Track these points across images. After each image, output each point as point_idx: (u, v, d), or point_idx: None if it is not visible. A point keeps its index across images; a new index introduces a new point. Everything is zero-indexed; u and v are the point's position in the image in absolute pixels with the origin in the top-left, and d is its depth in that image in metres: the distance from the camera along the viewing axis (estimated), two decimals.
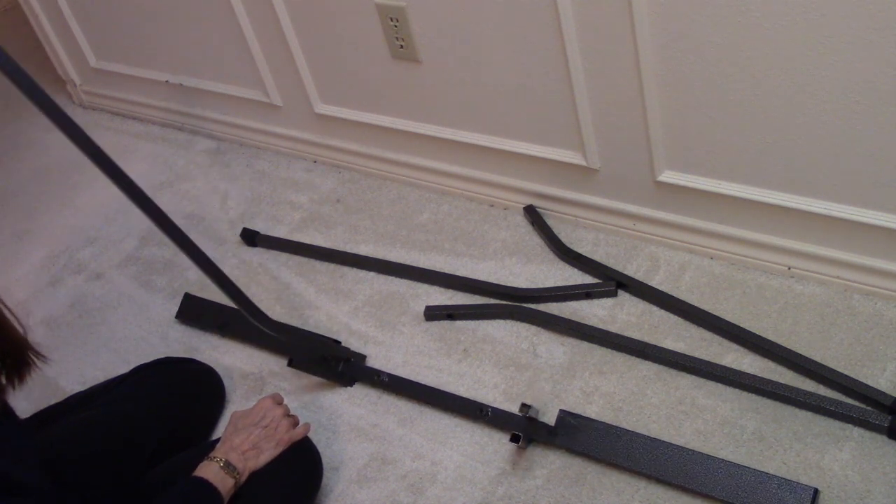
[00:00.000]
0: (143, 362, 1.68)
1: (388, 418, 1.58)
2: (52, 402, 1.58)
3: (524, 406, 1.42)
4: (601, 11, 1.46)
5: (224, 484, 1.33)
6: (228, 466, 1.35)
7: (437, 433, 1.53)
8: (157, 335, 1.88)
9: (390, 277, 1.83)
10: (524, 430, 1.43)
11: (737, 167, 1.53)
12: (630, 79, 1.51)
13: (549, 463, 1.44)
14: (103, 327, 1.94)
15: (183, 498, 1.32)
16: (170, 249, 2.07)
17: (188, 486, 1.33)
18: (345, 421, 1.59)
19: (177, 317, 1.89)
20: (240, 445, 1.39)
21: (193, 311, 1.88)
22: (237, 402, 1.68)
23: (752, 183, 1.53)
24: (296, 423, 1.47)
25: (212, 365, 1.70)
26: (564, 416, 1.46)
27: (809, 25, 1.29)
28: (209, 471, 1.34)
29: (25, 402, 1.79)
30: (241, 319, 1.67)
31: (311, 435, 1.48)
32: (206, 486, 1.32)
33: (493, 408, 1.51)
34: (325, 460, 1.49)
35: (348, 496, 1.48)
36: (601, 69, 1.54)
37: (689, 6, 1.38)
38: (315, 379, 1.68)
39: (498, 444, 1.49)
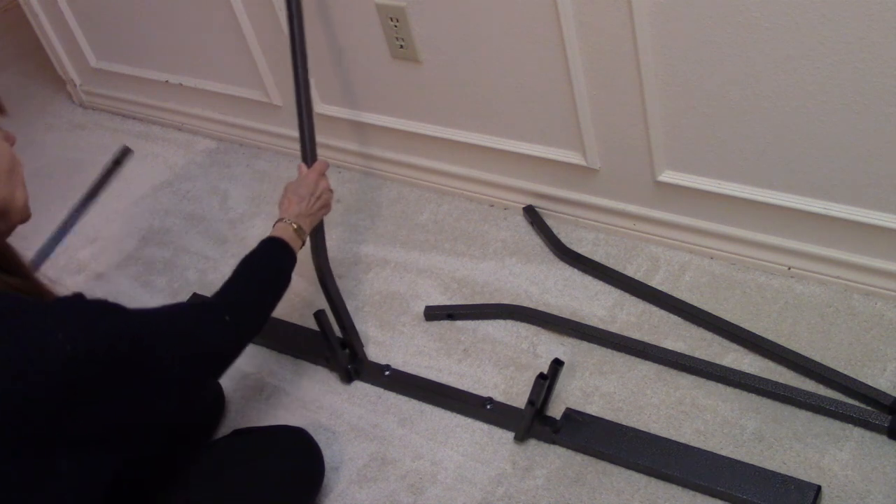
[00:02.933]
0: None
1: (388, 418, 1.58)
2: None
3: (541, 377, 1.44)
4: (601, 11, 1.46)
5: (294, 243, 1.48)
6: (300, 230, 1.51)
7: (437, 433, 1.53)
8: None
9: (390, 277, 1.83)
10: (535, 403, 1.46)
11: (737, 167, 1.53)
12: (630, 79, 1.51)
13: (549, 463, 1.44)
14: None
15: (268, 255, 1.44)
16: (170, 249, 2.07)
17: (270, 245, 1.45)
18: (345, 421, 1.59)
19: None
20: (306, 211, 1.54)
21: None
22: (237, 404, 1.68)
23: (752, 183, 1.53)
24: (318, 172, 1.61)
25: None
26: (570, 413, 1.46)
27: (809, 25, 1.29)
28: (286, 232, 1.48)
29: None
30: None
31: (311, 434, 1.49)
32: (286, 247, 1.46)
33: (494, 401, 1.52)
34: (325, 460, 1.49)
35: (348, 496, 1.48)
36: (601, 69, 1.54)
37: (689, 6, 1.38)
38: (315, 379, 1.68)
39: (498, 443, 1.49)
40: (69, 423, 1.06)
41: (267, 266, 1.44)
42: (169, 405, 1.22)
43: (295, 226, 1.50)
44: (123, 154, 1.79)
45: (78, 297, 1.14)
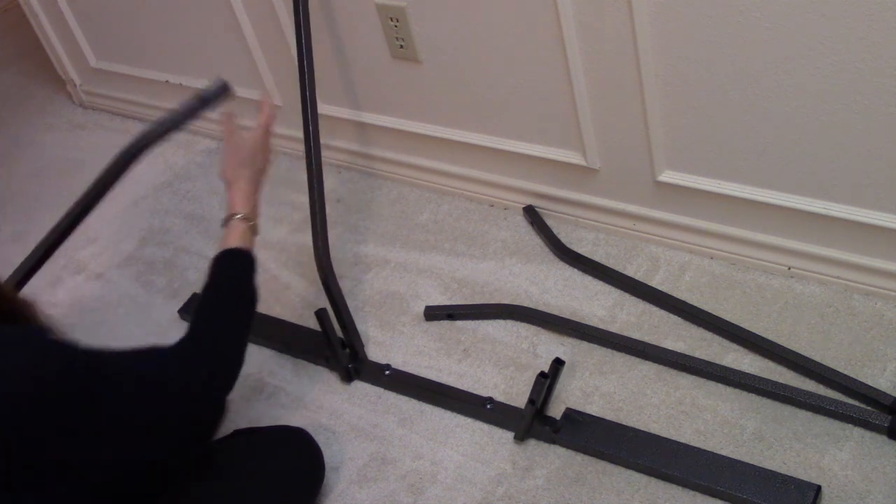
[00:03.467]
0: None
1: (388, 418, 1.58)
2: None
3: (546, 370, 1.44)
4: (601, 11, 1.46)
5: (251, 243, 1.41)
6: (248, 219, 1.42)
7: (437, 433, 1.53)
8: (157, 335, 1.88)
9: (390, 277, 1.83)
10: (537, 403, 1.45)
11: (737, 167, 1.53)
12: (630, 79, 1.51)
13: (549, 463, 1.44)
14: (103, 327, 1.93)
15: (230, 275, 1.37)
16: (170, 249, 2.07)
17: (229, 261, 1.38)
18: (345, 421, 1.59)
19: (179, 311, 1.89)
20: (252, 193, 1.45)
21: None
22: (237, 404, 1.68)
23: (752, 183, 1.53)
24: (264, 129, 1.52)
25: None
26: (570, 413, 1.46)
27: (809, 25, 1.29)
28: (239, 234, 1.40)
29: None
30: None
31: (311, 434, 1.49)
32: (244, 257, 1.38)
33: (494, 401, 1.53)
34: (325, 460, 1.49)
35: (348, 496, 1.48)
36: (601, 69, 1.54)
37: (689, 6, 1.38)
38: (315, 379, 1.68)
39: (498, 443, 1.49)
40: (21, 460, 1.02)
41: (232, 289, 1.36)
42: (147, 454, 1.16)
43: (250, 221, 1.43)
44: (222, 90, 1.56)
45: (34, 329, 1.11)
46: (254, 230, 1.44)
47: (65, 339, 1.11)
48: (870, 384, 1.38)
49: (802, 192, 1.49)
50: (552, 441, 1.46)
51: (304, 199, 2.11)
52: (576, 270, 1.73)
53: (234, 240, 1.40)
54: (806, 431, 1.37)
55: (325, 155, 2.12)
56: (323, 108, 2.04)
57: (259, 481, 1.36)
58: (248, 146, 1.49)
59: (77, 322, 1.97)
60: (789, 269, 1.59)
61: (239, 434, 1.49)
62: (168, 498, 1.32)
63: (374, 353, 1.69)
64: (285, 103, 2.15)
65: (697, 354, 1.51)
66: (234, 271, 1.38)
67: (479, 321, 1.69)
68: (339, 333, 1.67)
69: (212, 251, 2.02)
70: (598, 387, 1.52)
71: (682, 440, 1.40)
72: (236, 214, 1.43)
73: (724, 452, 1.37)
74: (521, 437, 1.48)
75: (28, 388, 1.02)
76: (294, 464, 1.42)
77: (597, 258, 1.73)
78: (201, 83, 1.53)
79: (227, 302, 1.34)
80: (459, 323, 1.70)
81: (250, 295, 1.37)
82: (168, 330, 1.88)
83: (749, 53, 1.37)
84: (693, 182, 1.59)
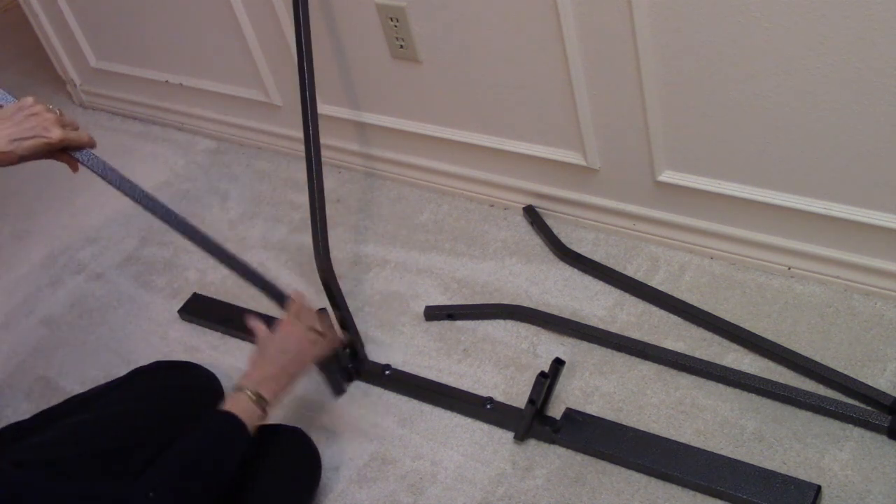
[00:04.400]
0: (143, 362, 1.68)
1: (388, 418, 1.58)
2: (53, 402, 1.57)
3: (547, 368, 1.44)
4: (601, 11, 1.46)
5: (252, 418, 1.29)
6: (260, 400, 1.31)
7: (437, 433, 1.53)
8: (157, 335, 1.88)
9: (390, 277, 1.83)
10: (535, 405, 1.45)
11: (737, 167, 1.53)
12: (630, 79, 1.51)
13: (549, 463, 1.44)
14: (103, 327, 1.94)
15: (208, 434, 1.27)
16: (170, 249, 2.07)
17: (214, 421, 1.28)
18: (345, 421, 1.59)
19: (179, 311, 1.89)
20: (272, 374, 1.34)
21: (198, 308, 1.88)
22: None
23: (752, 183, 1.53)
24: (318, 335, 1.42)
25: (212, 365, 1.69)
26: (570, 413, 1.46)
27: (809, 25, 1.29)
28: (239, 404, 1.30)
29: (26, 402, 1.79)
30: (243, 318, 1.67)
31: (310, 434, 1.48)
32: (234, 422, 1.27)
33: (494, 401, 1.53)
34: (325, 460, 1.49)
35: (348, 496, 1.48)
36: (601, 69, 1.54)
37: (689, 6, 1.38)
38: (315, 379, 1.68)
39: (498, 443, 1.49)
40: None
41: (211, 454, 1.26)
42: None
43: (254, 397, 1.31)
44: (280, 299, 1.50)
45: None
46: (262, 406, 1.32)
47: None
48: (870, 384, 1.38)
49: (802, 192, 1.49)
50: (552, 441, 1.46)
51: (304, 199, 2.11)
52: (576, 270, 1.73)
53: (236, 408, 1.30)
54: (806, 431, 1.37)
55: (325, 155, 2.12)
56: (323, 108, 2.04)
57: (256, 481, 1.36)
58: (285, 338, 1.39)
59: (77, 322, 1.97)
60: (789, 269, 1.59)
61: None
62: None
63: (374, 353, 1.69)
64: (285, 103, 2.15)
65: (697, 354, 1.51)
66: (225, 437, 1.28)
67: (479, 321, 1.69)
68: (339, 333, 1.67)
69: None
70: (598, 387, 1.52)
71: (682, 440, 1.40)
72: (244, 386, 1.33)
73: (724, 452, 1.37)
74: (521, 437, 1.48)
75: None
76: (291, 463, 1.42)
77: (597, 258, 1.73)
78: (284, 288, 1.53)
79: (204, 469, 1.24)
80: (459, 323, 1.70)
81: (229, 468, 1.27)
82: (167, 330, 1.88)
83: (749, 53, 1.37)
84: (693, 182, 1.59)
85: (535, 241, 1.81)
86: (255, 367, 1.36)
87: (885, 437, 1.34)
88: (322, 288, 1.66)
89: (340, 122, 2.06)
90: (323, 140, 2.08)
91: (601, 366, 1.55)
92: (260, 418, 1.32)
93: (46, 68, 2.76)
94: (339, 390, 1.60)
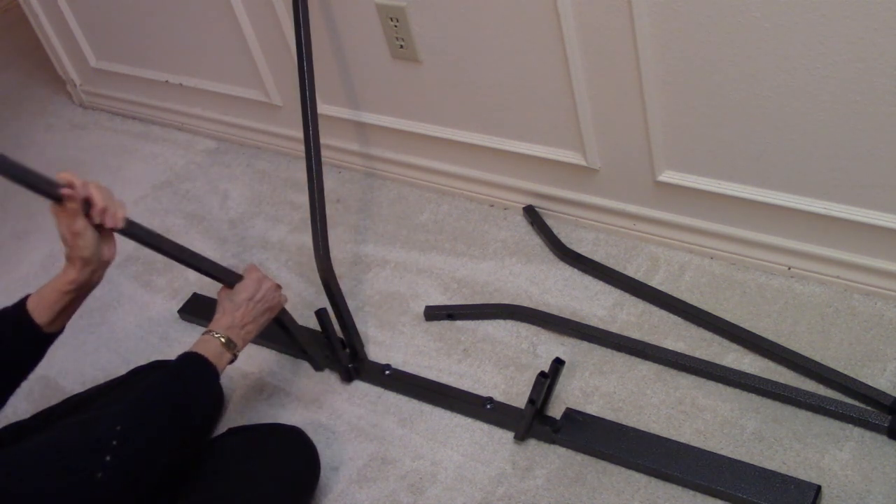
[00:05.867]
0: (142, 362, 1.68)
1: (388, 418, 1.58)
2: (53, 402, 1.57)
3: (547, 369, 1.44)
4: (601, 11, 1.46)
5: (221, 359, 1.33)
6: (229, 343, 1.35)
7: (437, 433, 1.53)
8: (157, 335, 1.88)
9: (390, 277, 1.83)
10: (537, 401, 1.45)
11: (737, 167, 1.53)
12: (630, 79, 1.51)
13: (549, 463, 1.44)
14: (103, 327, 1.94)
15: (176, 373, 1.30)
16: None
17: (183, 361, 1.31)
18: (345, 421, 1.59)
19: (179, 311, 1.89)
20: (241, 320, 1.39)
21: (197, 308, 1.88)
22: (236, 403, 1.68)
23: (752, 183, 1.53)
24: (279, 288, 1.48)
25: None
26: (570, 412, 1.46)
27: (809, 25, 1.29)
28: (208, 347, 1.33)
29: (25, 402, 1.79)
30: None
31: (310, 434, 1.48)
32: (202, 362, 1.30)
33: (494, 401, 1.52)
34: (324, 460, 1.49)
35: (348, 496, 1.48)
36: (601, 69, 1.54)
37: (689, 6, 1.38)
38: (315, 379, 1.68)
39: (498, 443, 1.49)
40: None
41: (178, 392, 1.27)
42: None
43: (223, 339, 1.35)
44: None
45: None
46: (230, 349, 1.36)
47: None
48: (870, 384, 1.38)
49: (802, 192, 1.49)
50: (552, 441, 1.46)
51: (304, 199, 2.12)
52: (576, 270, 1.73)
53: (203, 349, 1.33)
54: (806, 431, 1.37)
55: (325, 155, 2.13)
56: (323, 108, 2.04)
57: (254, 480, 1.36)
58: (243, 288, 1.43)
59: (77, 322, 1.97)
60: (789, 269, 1.59)
61: (233, 433, 1.49)
62: (162, 497, 1.32)
63: (374, 353, 1.69)
64: (285, 103, 2.15)
65: (697, 354, 1.51)
66: (192, 374, 1.30)
67: (479, 321, 1.69)
68: (340, 333, 1.67)
69: (211, 251, 2.03)
70: (598, 387, 1.52)
71: (682, 440, 1.40)
72: (211, 331, 1.36)
73: (724, 452, 1.37)
74: (521, 437, 1.48)
75: None
76: (289, 462, 1.42)
77: (597, 258, 1.73)
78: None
79: (171, 404, 1.25)
80: (459, 323, 1.70)
81: (201, 404, 1.30)
82: (167, 330, 1.88)
83: (749, 53, 1.37)
84: (693, 182, 1.59)
85: (535, 241, 1.81)
86: (223, 314, 1.40)
87: (885, 437, 1.34)
88: (322, 288, 1.66)
89: (340, 122, 2.06)
90: (323, 140, 2.08)
91: (601, 366, 1.55)
92: (229, 361, 1.36)
93: (46, 68, 2.76)
94: (318, 367, 1.67)
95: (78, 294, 1.31)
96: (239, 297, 1.42)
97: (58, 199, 1.23)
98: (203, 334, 1.37)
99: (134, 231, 1.34)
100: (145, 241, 1.38)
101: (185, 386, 1.29)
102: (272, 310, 1.45)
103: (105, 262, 1.31)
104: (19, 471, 1.12)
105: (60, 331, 1.35)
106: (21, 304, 1.31)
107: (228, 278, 1.47)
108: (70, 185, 1.23)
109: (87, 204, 1.24)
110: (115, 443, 1.15)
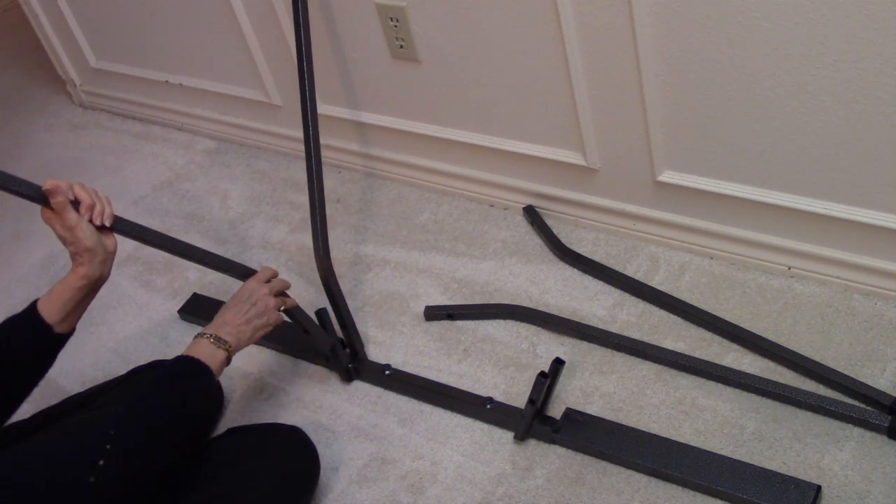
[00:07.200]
0: (142, 362, 1.68)
1: (388, 418, 1.58)
2: (53, 402, 1.58)
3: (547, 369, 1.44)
4: (601, 11, 1.46)
5: (214, 358, 1.33)
6: (219, 341, 1.35)
7: (437, 433, 1.53)
8: (157, 335, 1.88)
9: (390, 277, 1.83)
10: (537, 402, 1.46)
11: (737, 167, 1.53)
12: (630, 78, 1.51)
13: (549, 463, 1.44)
14: (103, 327, 1.94)
15: (168, 376, 1.30)
16: None
17: (174, 364, 1.32)
18: (345, 421, 1.59)
19: (179, 311, 1.89)
20: (232, 320, 1.39)
21: (197, 308, 1.88)
22: (236, 403, 1.68)
23: (752, 183, 1.53)
24: (283, 303, 1.49)
25: None
26: (570, 413, 1.46)
27: (809, 25, 1.29)
28: (199, 348, 1.34)
29: (25, 402, 1.79)
30: None
31: (310, 434, 1.48)
32: (193, 363, 1.31)
33: (494, 401, 1.52)
34: (324, 460, 1.49)
35: (348, 496, 1.48)
36: (601, 69, 1.54)
37: (689, 6, 1.38)
38: (315, 379, 1.68)
39: (498, 443, 1.49)
40: None
41: (170, 393, 1.27)
42: None
43: (212, 338, 1.35)
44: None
45: None
46: (224, 347, 1.36)
47: None
48: (870, 384, 1.38)
49: (802, 192, 1.49)
50: (552, 441, 1.46)
51: (304, 199, 2.12)
52: (576, 270, 1.73)
53: (195, 350, 1.34)
54: (806, 431, 1.37)
55: (325, 155, 2.13)
56: (323, 108, 2.04)
57: (254, 480, 1.36)
58: (240, 292, 1.45)
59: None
60: (789, 269, 1.59)
61: (233, 433, 1.49)
62: (161, 497, 1.32)
63: (374, 353, 1.69)
64: (285, 103, 2.15)
65: (697, 354, 1.51)
66: (182, 376, 1.30)
67: (479, 321, 1.69)
68: (340, 333, 1.67)
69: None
70: (598, 387, 1.52)
71: (682, 440, 1.40)
72: (204, 333, 1.37)
73: (724, 452, 1.37)
74: (521, 437, 1.48)
75: None
76: (289, 462, 1.42)
77: (597, 258, 1.73)
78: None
79: (163, 409, 1.25)
80: (459, 323, 1.70)
81: (194, 406, 1.29)
82: (167, 330, 1.88)
83: (749, 53, 1.37)
84: (693, 182, 1.59)
85: (535, 241, 1.81)
86: (217, 317, 1.41)
87: (885, 437, 1.34)
88: (322, 288, 1.66)
89: (340, 122, 2.06)
90: (323, 140, 2.08)
91: (601, 366, 1.55)
92: (224, 360, 1.35)
93: (46, 68, 2.76)
94: (347, 378, 1.66)
95: (90, 289, 1.33)
96: (230, 301, 1.44)
97: (43, 199, 1.26)
98: (193, 338, 1.38)
99: (123, 227, 1.36)
100: (135, 235, 1.40)
101: (176, 387, 1.29)
102: (265, 315, 1.43)
103: (111, 253, 1.33)
104: (13, 473, 1.12)
105: (71, 332, 1.36)
106: (31, 307, 1.33)
107: (235, 269, 1.50)
108: (55, 187, 1.25)
109: (75, 204, 1.28)
110: (108, 447, 1.15)
